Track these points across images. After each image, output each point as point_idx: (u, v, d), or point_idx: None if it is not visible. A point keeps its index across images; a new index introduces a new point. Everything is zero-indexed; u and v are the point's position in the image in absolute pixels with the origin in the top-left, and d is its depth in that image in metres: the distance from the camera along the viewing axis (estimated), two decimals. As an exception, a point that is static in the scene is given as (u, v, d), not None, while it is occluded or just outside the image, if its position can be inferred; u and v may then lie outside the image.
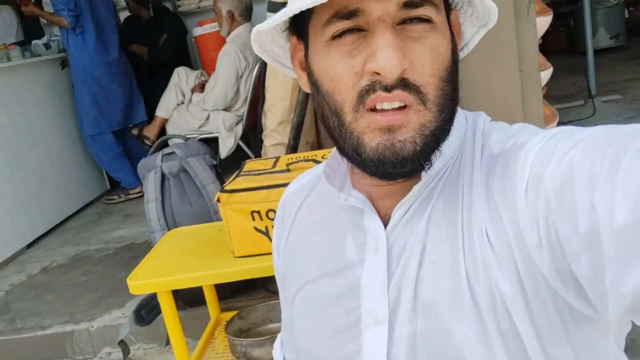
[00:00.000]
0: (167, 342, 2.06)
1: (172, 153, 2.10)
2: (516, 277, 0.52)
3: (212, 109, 3.65)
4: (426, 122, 0.55)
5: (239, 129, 3.65)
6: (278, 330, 1.78)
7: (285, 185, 1.58)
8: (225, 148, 3.56)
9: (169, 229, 2.02)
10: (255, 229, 1.61)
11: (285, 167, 1.68)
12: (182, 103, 3.93)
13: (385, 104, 0.54)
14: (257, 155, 2.64)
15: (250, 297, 2.14)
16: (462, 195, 0.58)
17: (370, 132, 0.55)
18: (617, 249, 0.41)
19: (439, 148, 0.57)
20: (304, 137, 2.09)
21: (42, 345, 2.24)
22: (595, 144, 0.46)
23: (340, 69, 0.55)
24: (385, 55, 0.51)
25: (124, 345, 2.12)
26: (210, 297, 2.04)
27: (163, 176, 2.06)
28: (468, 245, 0.56)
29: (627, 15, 6.85)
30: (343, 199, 0.64)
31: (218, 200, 1.62)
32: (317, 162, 1.65)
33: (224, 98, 3.61)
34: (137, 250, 2.99)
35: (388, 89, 0.53)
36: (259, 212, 1.60)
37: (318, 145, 2.19)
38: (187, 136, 2.92)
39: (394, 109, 0.54)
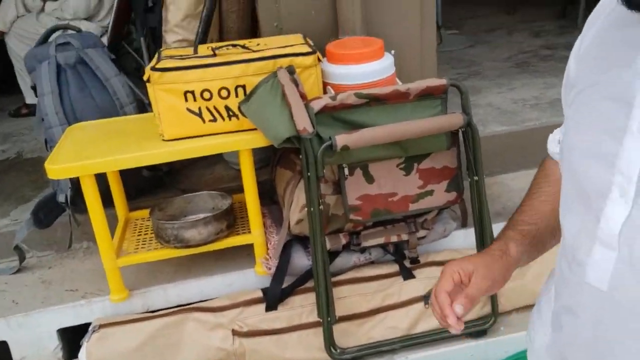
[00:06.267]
0: (70, 245, 1.96)
1: (67, 43, 1.93)
2: None
3: (72, 18, 3.32)
4: None
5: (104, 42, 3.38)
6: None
7: (219, 65, 1.61)
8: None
9: (69, 124, 1.89)
10: (188, 110, 1.61)
11: (212, 52, 1.67)
12: (24, 15, 3.50)
13: None
14: (151, 56, 2.47)
15: (158, 197, 2.11)
16: None
17: None
18: None
19: None
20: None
21: None
22: None
23: None
24: None
25: (19, 251, 1.97)
26: (118, 195, 1.97)
27: (58, 67, 1.89)
28: None
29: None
30: None
31: (148, 80, 1.58)
32: (246, 48, 1.68)
33: (86, 5, 3.30)
34: (4, 166, 2.70)
35: None
36: (192, 92, 1.59)
37: (220, 42, 2.16)
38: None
39: None
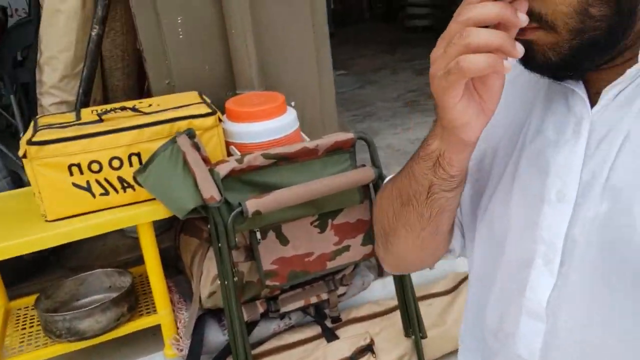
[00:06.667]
0: None
1: None
2: None
3: None
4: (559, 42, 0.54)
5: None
6: (89, 305, 1.61)
7: (107, 132, 1.45)
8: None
9: None
10: (74, 185, 1.42)
11: (98, 118, 1.51)
12: None
13: None
14: (27, 120, 2.23)
15: (44, 279, 1.85)
16: None
17: None
18: None
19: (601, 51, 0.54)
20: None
21: None
22: None
23: None
24: None
25: None
26: (-6, 284, 1.70)
27: None
28: None
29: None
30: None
31: (24, 155, 1.38)
32: (137, 110, 1.53)
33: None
34: None
35: None
36: (78, 165, 1.41)
37: (105, 102, 1.99)
38: None
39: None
